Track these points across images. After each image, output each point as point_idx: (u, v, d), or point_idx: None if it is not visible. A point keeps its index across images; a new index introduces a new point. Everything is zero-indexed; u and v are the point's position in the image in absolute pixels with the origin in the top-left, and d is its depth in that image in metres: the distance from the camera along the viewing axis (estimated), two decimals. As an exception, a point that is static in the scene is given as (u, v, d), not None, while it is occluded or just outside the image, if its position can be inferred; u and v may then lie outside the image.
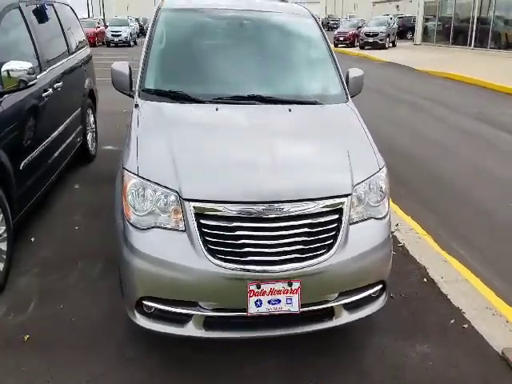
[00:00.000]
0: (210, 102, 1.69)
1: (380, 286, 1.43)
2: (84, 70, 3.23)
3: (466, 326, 1.62)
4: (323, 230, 1.30)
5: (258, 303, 1.25)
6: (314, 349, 1.48)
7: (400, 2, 24.80)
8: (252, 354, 1.46)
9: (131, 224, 1.32)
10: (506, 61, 10.36)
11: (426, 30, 17.15)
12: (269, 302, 1.25)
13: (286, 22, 2.13)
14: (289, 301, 1.26)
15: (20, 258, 2.01)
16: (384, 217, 1.44)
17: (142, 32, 20.77)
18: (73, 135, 2.81)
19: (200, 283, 1.25)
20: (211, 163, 1.38)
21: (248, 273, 1.24)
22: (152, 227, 1.30)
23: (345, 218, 1.33)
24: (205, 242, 1.25)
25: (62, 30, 2.92)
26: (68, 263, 1.99)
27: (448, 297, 1.79)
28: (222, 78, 1.85)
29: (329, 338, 1.53)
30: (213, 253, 1.25)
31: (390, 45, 15.49)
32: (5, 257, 1.82)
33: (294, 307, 1.27)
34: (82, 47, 3.33)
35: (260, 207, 1.25)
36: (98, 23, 18.31)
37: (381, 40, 14.74)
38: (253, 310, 1.26)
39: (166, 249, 1.27)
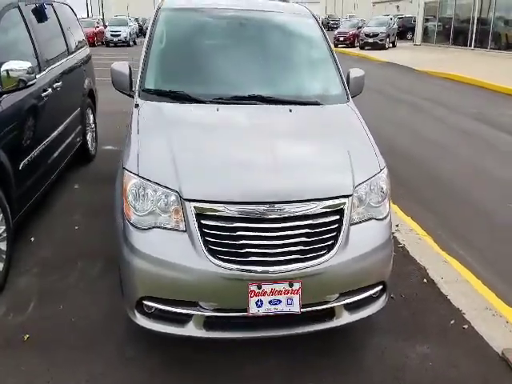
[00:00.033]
0: (211, 102, 1.69)
1: (380, 287, 1.43)
2: (83, 69, 3.22)
3: (465, 326, 1.63)
4: (324, 230, 1.30)
5: (259, 303, 1.25)
6: (316, 349, 1.48)
7: (400, 3, 24.83)
8: (253, 354, 1.46)
9: (131, 224, 1.32)
10: (506, 61, 10.38)
11: (426, 30, 17.17)
12: (270, 302, 1.26)
13: (286, 22, 2.12)
14: (289, 301, 1.26)
15: (20, 258, 2.01)
16: (385, 217, 1.44)
17: (141, 32, 20.75)
18: (72, 135, 2.81)
19: (200, 283, 1.25)
20: (212, 163, 1.38)
21: (249, 273, 1.24)
22: (152, 227, 1.30)
23: (346, 219, 1.33)
24: (205, 243, 1.25)
25: (62, 29, 2.91)
26: (68, 263, 1.99)
27: (448, 297, 1.80)
28: (223, 78, 1.85)
29: (329, 338, 1.53)
30: (213, 253, 1.25)
31: (390, 45, 15.50)
32: (4, 257, 1.82)
33: (295, 308, 1.27)
34: (81, 47, 3.32)
35: (261, 208, 1.25)
36: (97, 23, 18.29)
37: (381, 40, 14.76)
38: (253, 310, 1.26)
39: (167, 249, 1.27)
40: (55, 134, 2.45)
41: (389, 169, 1.52)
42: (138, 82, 1.80)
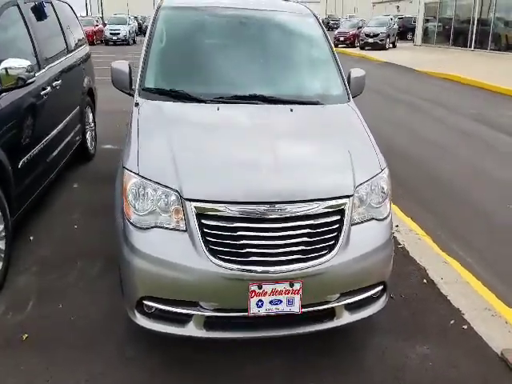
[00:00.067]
0: (211, 101, 1.69)
1: (381, 287, 1.43)
2: (83, 68, 3.21)
3: (465, 326, 1.63)
4: (325, 230, 1.30)
5: (260, 304, 1.25)
6: (317, 349, 1.48)
7: (400, 3, 24.84)
8: (254, 354, 1.46)
9: (131, 223, 1.31)
10: (505, 62, 10.39)
11: (426, 30, 17.19)
12: (270, 302, 1.25)
13: (287, 21, 2.12)
14: (290, 301, 1.26)
15: (19, 257, 2.00)
16: (385, 218, 1.44)
17: (140, 31, 20.68)
18: (72, 134, 2.80)
19: (201, 283, 1.24)
20: (212, 163, 1.37)
21: (249, 273, 1.24)
22: (153, 227, 1.29)
23: (346, 219, 1.32)
24: (206, 242, 1.25)
25: (61, 27, 2.89)
26: (67, 262, 1.98)
27: (448, 298, 1.80)
28: (223, 78, 1.85)
29: (330, 338, 1.53)
30: (214, 253, 1.24)
31: (390, 45, 15.51)
32: (3, 255, 1.81)
33: (296, 308, 1.27)
34: (80, 45, 3.30)
35: (261, 208, 1.25)
36: (97, 21, 18.22)
37: (381, 40, 14.76)
38: (254, 310, 1.25)
39: (167, 249, 1.26)
40: (54, 132, 2.44)
41: (388, 169, 1.52)
42: (138, 80, 1.79)
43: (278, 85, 1.87)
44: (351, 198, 1.34)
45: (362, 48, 15.10)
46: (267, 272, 1.24)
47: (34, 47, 2.31)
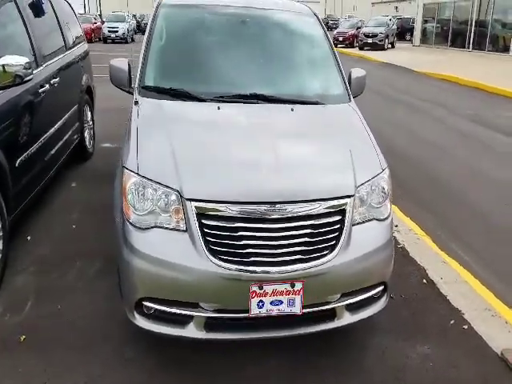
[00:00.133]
0: (211, 100, 1.67)
1: (381, 287, 1.43)
2: (81, 65, 3.18)
3: (465, 326, 1.64)
4: (326, 231, 1.29)
5: (260, 304, 1.24)
6: (317, 349, 1.48)
7: (399, 4, 24.91)
8: (254, 354, 1.45)
9: (131, 224, 1.30)
10: (502, 63, 10.47)
11: (424, 31, 17.26)
12: (271, 303, 1.25)
13: (288, 20, 2.11)
14: (291, 302, 1.26)
15: (16, 257, 1.97)
16: (386, 218, 1.43)
17: (139, 29, 20.56)
18: (70, 132, 2.77)
19: (201, 284, 1.23)
20: (213, 162, 1.36)
21: (250, 274, 1.23)
22: (152, 227, 1.28)
23: (348, 219, 1.32)
24: (206, 243, 1.24)
25: (59, 24, 2.86)
26: (65, 262, 1.96)
27: (447, 298, 1.80)
28: (223, 76, 1.83)
29: (330, 338, 1.53)
30: (214, 253, 1.24)
31: (389, 46, 15.54)
32: (0, 256, 1.79)
33: (296, 308, 1.27)
34: (79, 43, 3.27)
35: (262, 208, 1.24)
36: (95, 19, 18.09)
37: (380, 41, 14.80)
38: (255, 311, 1.25)
39: (167, 249, 1.25)
40: (52, 130, 2.41)
41: (389, 169, 1.52)
42: (137, 78, 1.77)
43: (279, 84, 1.87)
44: (352, 198, 1.34)
45: (360, 48, 15.11)
46: (268, 272, 1.23)
47: (31, 44, 2.28)
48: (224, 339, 1.34)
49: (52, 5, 2.80)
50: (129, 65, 1.81)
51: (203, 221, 1.24)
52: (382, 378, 1.40)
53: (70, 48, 3.00)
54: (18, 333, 1.51)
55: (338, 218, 1.31)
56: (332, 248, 1.30)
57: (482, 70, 9.17)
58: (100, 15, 21.48)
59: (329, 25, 27.10)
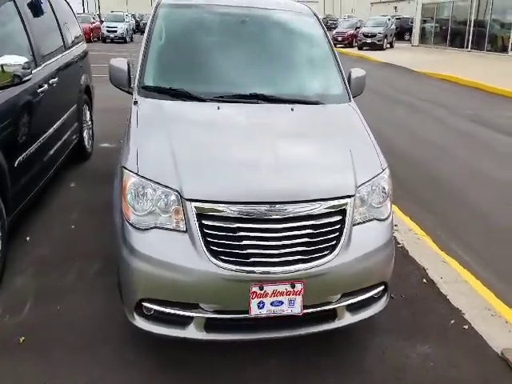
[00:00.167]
0: (211, 100, 1.67)
1: (382, 287, 1.43)
2: (80, 65, 3.17)
3: (465, 326, 1.64)
4: (327, 231, 1.29)
5: (261, 305, 1.24)
6: (318, 349, 1.48)
7: (398, 3, 24.94)
8: (255, 355, 1.45)
9: (131, 224, 1.29)
10: (501, 63, 10.49)
11: (423, 31, 17.28)
12: (271, 303, 1.24)
13: (288, 20, 2.11)
14: (291, 302, 1.25)
15: (15, 258, 1.97)
16: (386, 218, 1.43)
17: (138, 28, 20.52)
18: (69, 132, 2.76)
19: (201, 285, 1.23)
20: (213, 162, 1.36)
21: (250, 274, 1.23)
22: (152, 228, 1.27)
23: (348, 219, 1.32)
24: (206, 243, 1.23)
25: (58, 24, 2.85)
26: (64, 263, 1.95)
27: (448, 297, 1.80)
28: (223, 76, 1.83)
29: (331, 338, 1.53)
30: (214, 254, 1.23)
31: (388, 46, 15.56)
32: (-1, 256, 1.79)
33: (297, 309, 1.26)
34: (78, 42, 3.26)
35: (262, 208, 1.24)
36: (94, 18, 18.07)
37: (379, 41, 14.82)
38: (255, 311, 1.24)
39: (167, 250, 1.25)
40: (51, 130, 2.40)
41: (389, 169, 1.51)
42: (136, 78, 1.77)
43: (279, 84, 1.86)
44: (352, 198, 1.34)
45: (359, 48, 15.12)
46: (268, 273, 1.23)
47: (30, 44, 2.27)
48: (224, 340, 1.34)
49: (51, 4, 2.79)
50: (128, 65, 1.81)
51: (203, 221, 1.24)
52: (383, 377, 1.40)
53: (69, 48, 2.99)
54: (18, 334, 1.51)
55: (338, 218, 1.31)
56: (332, 248, 1.29)
57: (481, 69, 9.18)
58: (99, 15, 21.45)
59: (328, 25, 27.14)
